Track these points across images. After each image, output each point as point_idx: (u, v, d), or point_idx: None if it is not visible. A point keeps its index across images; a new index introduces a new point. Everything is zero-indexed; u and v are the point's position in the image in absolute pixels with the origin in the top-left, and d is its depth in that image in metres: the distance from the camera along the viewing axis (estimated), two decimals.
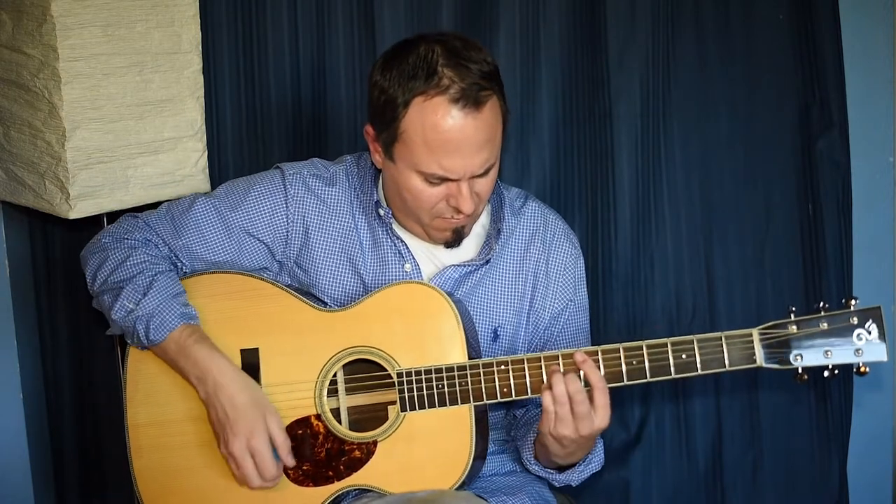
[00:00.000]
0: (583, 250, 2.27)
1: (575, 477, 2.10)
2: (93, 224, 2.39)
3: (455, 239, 2.11)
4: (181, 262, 2.14)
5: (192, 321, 2.04)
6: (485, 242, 2.15)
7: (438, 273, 2.13)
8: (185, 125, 2.40)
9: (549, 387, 1.92)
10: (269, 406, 2.01)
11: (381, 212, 2.12)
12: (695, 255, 2.73)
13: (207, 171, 2.47)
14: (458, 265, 2.13)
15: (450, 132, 1.93)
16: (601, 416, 1.93)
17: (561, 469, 2.10)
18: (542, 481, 2.23)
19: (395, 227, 2.14)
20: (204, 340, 2.03)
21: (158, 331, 2.01)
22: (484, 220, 2.18)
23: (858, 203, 2.72)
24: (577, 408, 1.91)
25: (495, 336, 2.14)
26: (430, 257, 2.15)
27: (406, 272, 2.12)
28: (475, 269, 2.14)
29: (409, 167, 1.99)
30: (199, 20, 2.41)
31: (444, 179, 1.98)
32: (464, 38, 2.01)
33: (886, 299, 2.78)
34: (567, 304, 2.19)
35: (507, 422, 2.23)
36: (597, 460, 2.12)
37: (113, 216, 2.29)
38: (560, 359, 1.95)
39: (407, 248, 2.13)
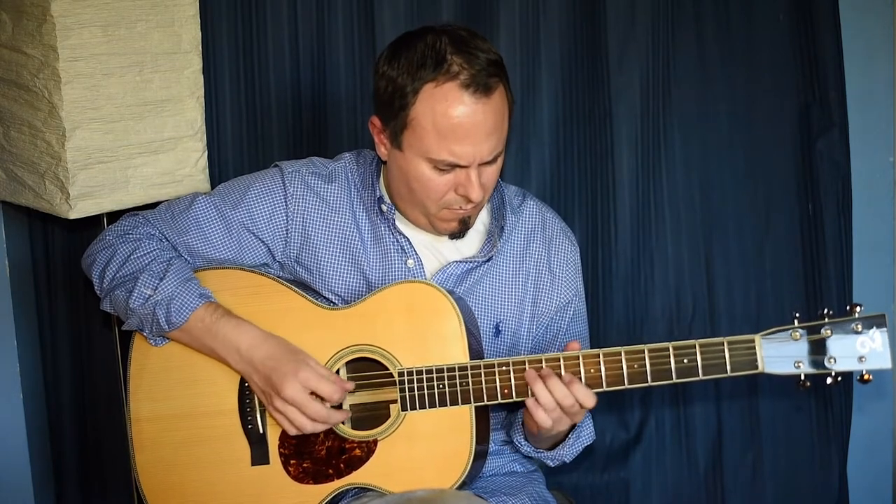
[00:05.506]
0: (583, 250, 2.28)
1: (566, 452, 2.11)
2: (93, 224, 2.39)
3: (461, 230, 2.11)
4: (183, 258, 2.14)
5: (211, 300, 2.06)
6: (487, 239, 2.16)
7: (441, 269, 2.13)
8: (185, 125, 2.40)
9: (536, 399, 1.93)
10: (305, 353, 2.01)
11: (384, 207, 2.13)
12: (695, 254, 2.73)
13: (207, 170, 2.47)
14: (460, 261, 2.13)
15: (460, 118, 1.95)
16: (588, 404, 1.94)
17: (551, 447, 2.11)
18: (541, 481, 2.24)
19: (398, 222, 2.14)
20: (227, 315, 2.04)
21: (180, 313, 2.02)
22: (485, 218, 2.19)
23: (858, 203, 2.73)
24: (567, 409, 1.93)
25: (497, 331, 2.15)
26: (434, 252, 2.15)
27: (409, 268, 2.12)
28: (478, 266, 2.14)
29: (419, 155, 2.00)
30: (199, 20, 2.41)
31: (453, 166, 1.99)
32: (468, 28, 2.03)
33: (886, 299, 2.79)
34: (571, 298, 2.20)
35: (507, 422, 2.23)
36: (586, 433, 2.13)
37: (113, 216, 2.29)
38: (562, 361, 1.95)
39: (410, 243, 2.13)
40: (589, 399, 1.93)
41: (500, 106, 1.99)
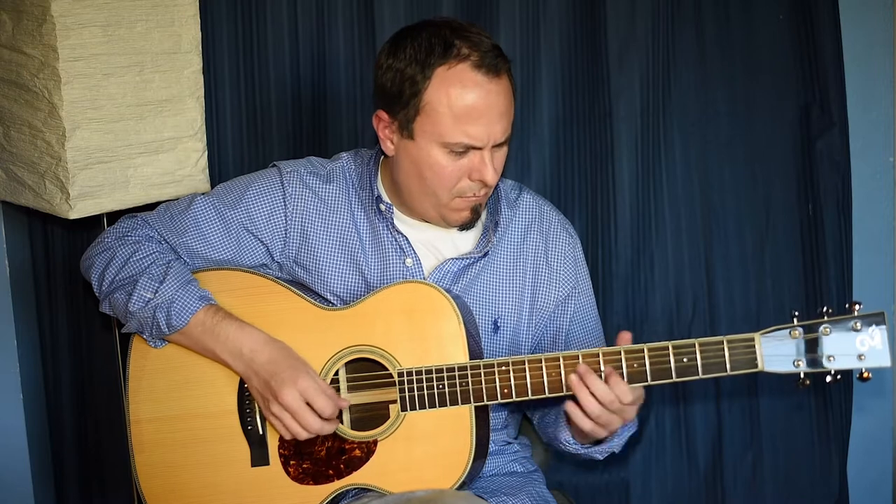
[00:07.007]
0: (583, 250, 2.26)
1: (616, 443, 2.09)
2: (93, 224, 2.39)
3: (473, 218, 2.12)
4: (182, 259, 2.14)
5: (211, 302, 2.06)
6: (482, 235, 2.16)
7: (438, 266, 2.13)
8: (185, 125, 2.40)
9: (581, 408, 1.91)
10: (306, 362, 2.02)
11: (383, 206, 2.13)
12: (695, 255, 2.73)
13: (207, 171, 2.47)
14: (457, 258, 2.13)
15: (475, 99, 1.97)
16: (626, 399, 1.93)
17: (597, 441, 2.09)
18: (542, 481, 2.24)
19: (396, 221, 2.14)
20: (229, 317, 2.05)
21: (180, 316, 2.03)
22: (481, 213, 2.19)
23: (858, 203, 2.73)
24: (611, 406, 1.92)
25: (496, 327, 2.15)
26: (432, 251, 2.15)
27: (407, 266, 2.12)
28: (474, 262, 2.14)
29: (433, 140, 2.00)
30: (199, 20, 2.41)
31: (468, 148, 2.00)
32: (466, 21, 2.06)
33: (886, 299, 2.78)
34: (572, 291, 2.19)
35: (508, 423, 2.23)
36: (632, 423, 2.10)
37: (113, 216, 2.29)
38: (561, 360, 1.95)
39: (408, 241, 2.13)
40: (626, 395, 1.91)
41: (508, 87, 2.02)
